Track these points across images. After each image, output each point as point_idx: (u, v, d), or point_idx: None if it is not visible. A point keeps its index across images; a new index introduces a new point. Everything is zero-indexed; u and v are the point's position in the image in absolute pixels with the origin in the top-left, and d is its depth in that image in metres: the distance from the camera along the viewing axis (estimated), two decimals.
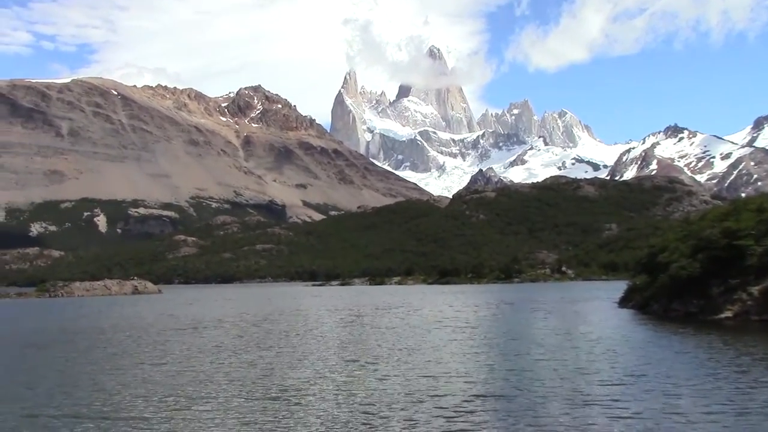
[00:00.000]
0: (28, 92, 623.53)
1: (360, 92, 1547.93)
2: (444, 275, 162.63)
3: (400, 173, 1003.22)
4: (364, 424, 15.84)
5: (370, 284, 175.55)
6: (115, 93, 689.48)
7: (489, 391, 19.57)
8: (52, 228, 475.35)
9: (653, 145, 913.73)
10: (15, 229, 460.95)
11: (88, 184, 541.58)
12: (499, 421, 15.90)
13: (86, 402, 19.37)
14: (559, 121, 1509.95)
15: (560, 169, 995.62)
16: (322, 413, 17.05)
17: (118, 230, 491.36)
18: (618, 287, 65.27)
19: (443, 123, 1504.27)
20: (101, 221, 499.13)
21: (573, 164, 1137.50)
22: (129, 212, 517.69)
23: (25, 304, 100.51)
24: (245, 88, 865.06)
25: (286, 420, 16.42)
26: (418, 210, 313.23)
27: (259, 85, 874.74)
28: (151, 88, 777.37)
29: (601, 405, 17.65)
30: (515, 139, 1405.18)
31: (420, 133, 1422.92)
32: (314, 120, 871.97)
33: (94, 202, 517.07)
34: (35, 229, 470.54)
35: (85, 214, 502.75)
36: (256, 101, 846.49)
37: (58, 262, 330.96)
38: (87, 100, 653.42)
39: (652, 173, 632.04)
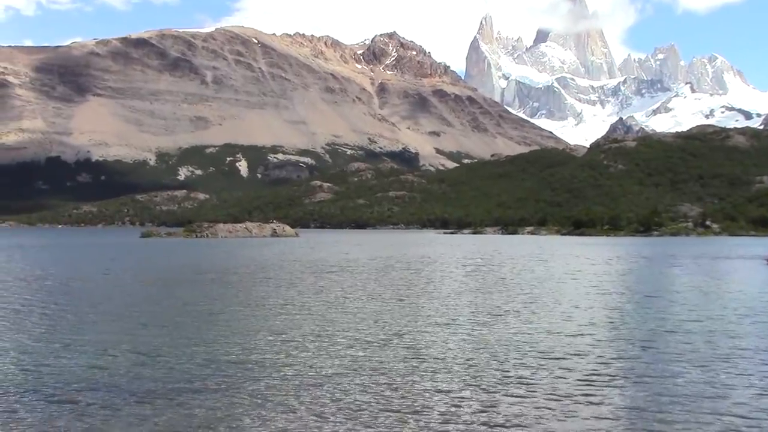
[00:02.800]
0: (175, 42, 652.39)
1: (496, 38, 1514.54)
2: (578, 226, 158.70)
3: (535, 121, 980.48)
4: (480, 379, 15.78)
5: (503, 233, 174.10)
6: (256, 41, 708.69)
7: (620, 353, 18.96)
8: (198, 172, 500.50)
9: None
10: (164, 173, 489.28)
11: (231, 130, 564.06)
12: (632, 385, 15.38)
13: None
14: (708, 66, 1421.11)
15: (708, 118, 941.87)
16: (444, 369, 17.07)
17: (258, 175, 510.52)
18: None
19: (582, 69, 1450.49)
20: (242, 166, 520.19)
21: (723, 112, 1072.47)
22: (268, 158, 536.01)
23: (177, 243, 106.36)
24: (380, 35, 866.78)
25: (407, 369, 16.57)
26: (554, 159, 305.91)
27: (394, 32, 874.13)
28: (289, 36, 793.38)
29: (742, 373, 16.63)
30: (659, 86, 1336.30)
31: (557, 79, 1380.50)
32: (449, 67, 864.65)
33: (236, 147, 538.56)
34: (182, 172, 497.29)
35: (228, 159, 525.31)
36: (390, 48, 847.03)
37: (203, 204, 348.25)
38: (229, 48, 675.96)
39: None
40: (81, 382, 15.08)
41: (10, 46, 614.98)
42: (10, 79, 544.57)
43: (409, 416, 12.78)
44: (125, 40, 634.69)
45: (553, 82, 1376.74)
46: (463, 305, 28.40)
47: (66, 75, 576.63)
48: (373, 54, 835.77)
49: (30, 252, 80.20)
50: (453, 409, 13.26)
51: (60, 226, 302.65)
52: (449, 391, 14.44)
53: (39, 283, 38.16)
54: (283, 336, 20.81)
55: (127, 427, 12.11)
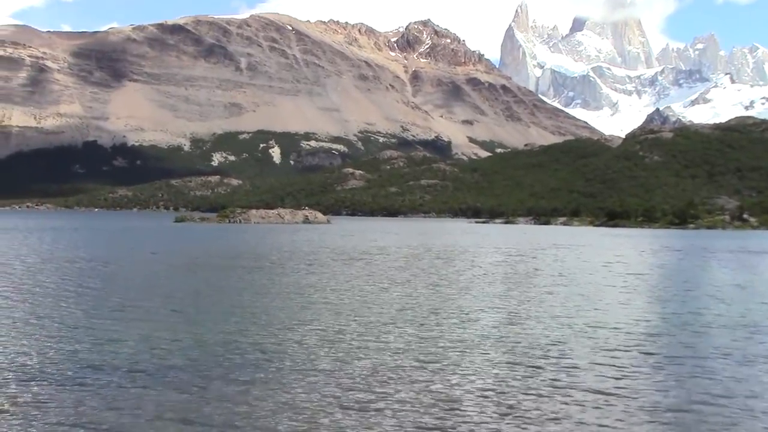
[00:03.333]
0: (210, 28, 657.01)
1: (531, 26, 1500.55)
2: (612, 217, 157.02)
3: (570, 111, 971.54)
4: (511, 373, 15.57)
5: (535, 224, 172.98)
6: (290, 28, 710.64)
7: (655, 348, 18.58)
8: (231, 158, 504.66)
9: None
10: (198, 158, 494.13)
11: (264, 117, 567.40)
12: (667, 382, 15.06)
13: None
14: (749, 56, 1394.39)
15: (747, 109, 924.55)
16: (474, 361, 16.91)
17: (291, 161, 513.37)
18: None
19: (619, 58, 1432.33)
20: (275, 152, 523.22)
21: (763, 104, 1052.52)
22: (301, 144, 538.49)
23: (210, 229, 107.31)
24: (414, 23, 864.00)
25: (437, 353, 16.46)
26: (588, 149, 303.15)
27: (429, 19, 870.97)
28: (323, 22, 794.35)
29: None
30: (698, 76, 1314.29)
31: (593, 68, 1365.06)
32: (483, 55, 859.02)
33: (269, 134, 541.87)
34: (216, 158, 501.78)
35: (261, 145, 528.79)
36: (425, 36, 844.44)
37: (236, 190, 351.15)
38: (264, 35, 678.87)
39: None
40: (109, 364, 15.16)
41: (49, 32, 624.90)
42: (49, 64, 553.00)
43: (435, 409, 12.62)
44: (161, 26, 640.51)
45: (588, 72, 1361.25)
46: (494, 296, 28.12)
47: (103, 60, 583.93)
48: (407, 41, 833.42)
49: (64, 234, 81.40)
50: (482, 401, 13.05)
51: (96, 209, 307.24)
52: (479, 385, 14.23)
53: (71, 266, 38.63)
54: (310, 324, 20.76)
55: (149, 413, 12.11)
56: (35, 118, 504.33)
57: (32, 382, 13.67)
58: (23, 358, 15.73)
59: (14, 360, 15.48)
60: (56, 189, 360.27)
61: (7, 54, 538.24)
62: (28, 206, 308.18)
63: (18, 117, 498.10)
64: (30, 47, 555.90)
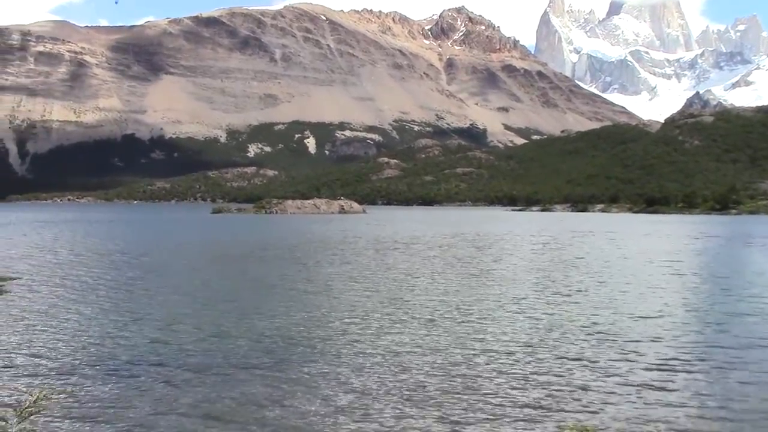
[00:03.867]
0: (245, 20, 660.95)
1: (567, 11, 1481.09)
2: (651, 204, 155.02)
3: (607, 96, 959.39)
4: (547, 362, 15.32)
5: (572, 211, 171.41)
6: (324, 18, 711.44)
7: (695, 337, 18.17)
8: (267, 149, 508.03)
9: None
10: (234, 149, 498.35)
11: (299, 107, 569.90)
12: (708, 372, 14.65)
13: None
14: None
15: None
16: (509, 350, 16.70)
17: (326, 151, 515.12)
18: None
19: (657, 41, 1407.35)
20: (310, 143, 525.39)
21: None
22: (336, 134, 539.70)
23: (247, 219, 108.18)
24: (448, 10, 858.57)
25: (469, 342, 16.29)
26: (626, 135, 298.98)
27: (463, 6, 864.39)
28: (357, 12, 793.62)
29: None
30: (739, 59, 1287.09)
31: (631, 53, 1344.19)
32: (518, 41, 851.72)
33: (304, 124, 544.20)
34: (252, 149, 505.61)
35: (296, 135, 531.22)
36: (459, 23, 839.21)
37: (272, 180, 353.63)
38: (298, 25, 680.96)
39: None
40: (143, 356, 15.27)
41: (87, 27, 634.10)
42: (88, 59, 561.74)
43: (470, 398, 12.48)
44: (196, 19, 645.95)
45: (626, 56, 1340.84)
46: (530, 284, 27.81)
47: (140, 54, 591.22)
48: (441, 29, 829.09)
49: (104, 227, 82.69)
50: (515, 392, 12.87)
51: (135, 201, 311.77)
52: (513, 373, 14.04)
53: (111, 258, 39.17)
54: (346, 314, 20.72)
55: (186, 403, 12.16)
56: (75, 112, 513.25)
57: (73, 374, 13.83)
58: (66, 349, 15.93)
59: (51, 352, 15.68)
60: (96, 182, 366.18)
61: (47, 50, 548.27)
62: (69, 199, 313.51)
63: (58, 112, 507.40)
64: (69, 42, 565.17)
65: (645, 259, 39.69)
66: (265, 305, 22.22)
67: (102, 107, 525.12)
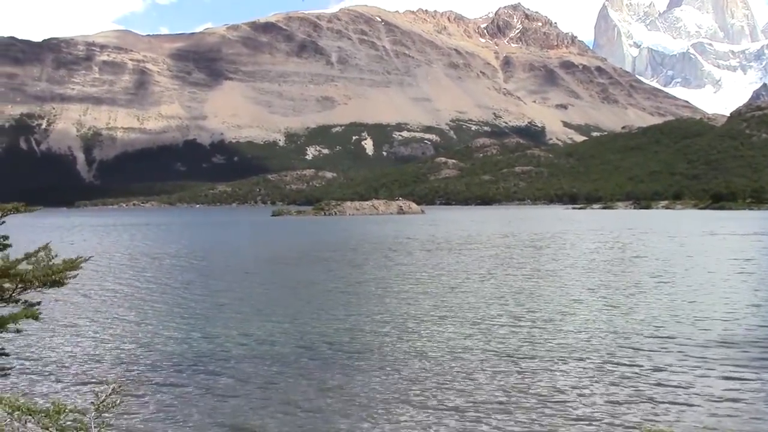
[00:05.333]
0: (301, 24, 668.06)
1: (626, 4, 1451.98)
2: (717, 200, 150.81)
3: (669, 90, 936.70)
4: (613, 366, 14.87)
5: (635, 208, 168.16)
6: (379, 20, 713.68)
7: (762, 341, 17.46)
8: (325, 151, 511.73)
9: None
10: (293, 153, 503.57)
11: (356, 109, 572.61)
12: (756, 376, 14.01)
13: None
14: None
15: None
16: (573, 354, 16.29)
17: (384, 153, 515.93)
18: None
19: (721, 33, 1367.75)
20: (368, 144, 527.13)
21: None
22: (393, 135, 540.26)
23: (306, 221, 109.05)
24: (504, 7, 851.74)
25: (533, 339, 15.91)
26: (690, 129, 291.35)
27: (519, 3, 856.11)
28: (412, 12, 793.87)
29: None
30: None
31: (693, 45, 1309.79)
32: (576, 37, 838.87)
33: (361, 126, 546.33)
34: (310, 152, 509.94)
35: (354, 137, 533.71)
36: (515, 20, 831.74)
37: (330, 182, 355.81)
38: (353, 28, 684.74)
39: None
40: (189, 361, 15.42)
41: (148, 35, 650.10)
42: (150, 66, 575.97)
43: (530, 401, 12.17)
44: (254, 25, 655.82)
45: (689, 48, 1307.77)
46: (591, 286, 27.24)
47: (200, 61, 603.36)
48: (497, 27, 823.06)
49: (164, 230, 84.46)
50: (580, 398, 12.50)
51: (197, 205, 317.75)
52: (579, 378, 13.67)
53: (169, 261, 39.89)
54: (400, 316, 20.57)
55: (226, 412, 12.19)
56: (138, 119, 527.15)
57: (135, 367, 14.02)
58: (127, 345, 16.19)
59: (104, 350, 15.96)
60: (159, 187, 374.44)
61: (111, 59, 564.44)
62: (134, 204, 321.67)
63: (122, 119, 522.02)
64: (132, 51, 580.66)
65: (716, 259, 38.51)
66: (313, 309, 22.25)
67: (164, 114, 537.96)
